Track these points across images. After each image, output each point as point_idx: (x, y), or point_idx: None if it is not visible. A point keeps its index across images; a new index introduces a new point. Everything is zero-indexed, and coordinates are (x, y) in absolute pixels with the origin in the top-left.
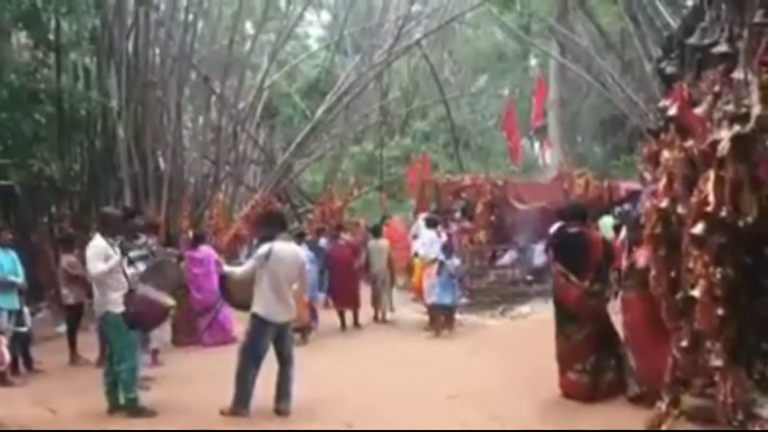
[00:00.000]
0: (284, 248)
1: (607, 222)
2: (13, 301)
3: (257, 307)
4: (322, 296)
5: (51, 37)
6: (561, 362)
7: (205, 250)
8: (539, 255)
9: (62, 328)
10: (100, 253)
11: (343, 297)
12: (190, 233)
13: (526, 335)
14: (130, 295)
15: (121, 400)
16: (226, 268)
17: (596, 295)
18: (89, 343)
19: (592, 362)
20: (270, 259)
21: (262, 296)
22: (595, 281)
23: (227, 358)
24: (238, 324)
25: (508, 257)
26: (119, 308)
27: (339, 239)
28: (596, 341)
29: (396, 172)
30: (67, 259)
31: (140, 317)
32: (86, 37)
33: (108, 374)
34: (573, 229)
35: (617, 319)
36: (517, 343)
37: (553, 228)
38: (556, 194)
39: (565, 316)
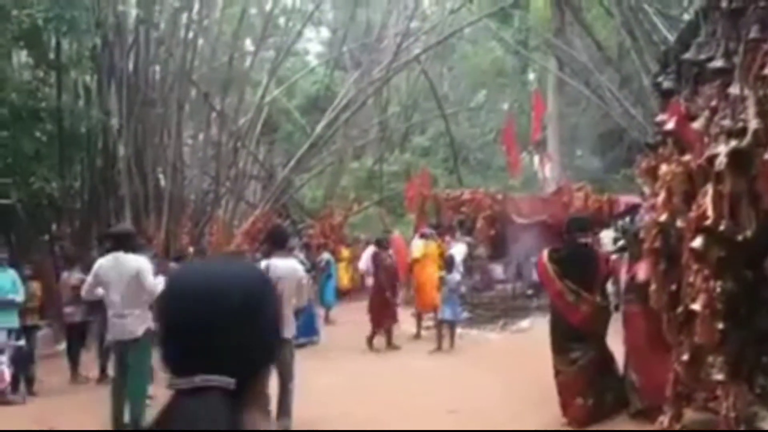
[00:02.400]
0: (282, 264)
1: (607, 236)
2: (13, 320)
3: None
4: (321, 311)
5: (51, 55)
6: (566, 391)
7: None
8: None
9: (62, 346)
10: (150, 270)
11: (390, 314)
12: (191, 250)
13: (526, 349)
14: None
15: (127, 419)
16: None
17: (605, 311)
18: (88, 361)
19: (598, 385)
20: (268, 276)
21: None
22: (602, 297)
23: None
24: None
25: (500, 271)
26: (153, 324)
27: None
28: (601, 363)
29: (396, 188)
30: (77, 277)
31: None
32: (87, 56)
33: (118, 394)
34: (582, 241)
35: (618, 334)
36: (517, 358)
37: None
38: (556, 208)
39: (570, 338)
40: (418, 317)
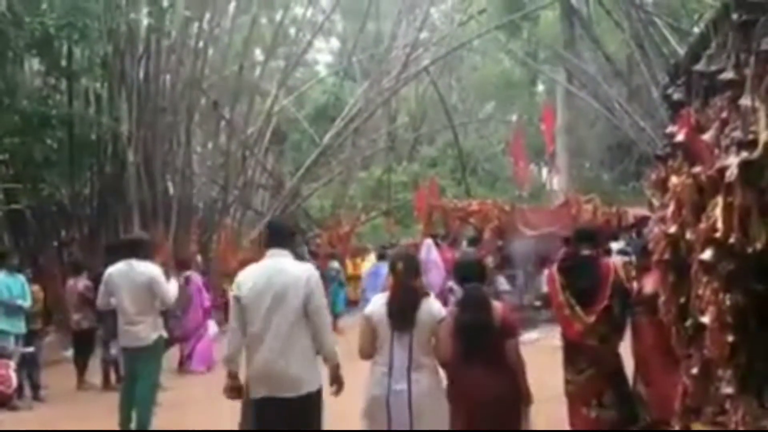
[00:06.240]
0: None
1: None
2: (20, 325)
3: None
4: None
5: (63, 63)
6: (573, 400)
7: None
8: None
9: (69, 352)
10: (162, 277)
11: None
12: (199, 258)
13: (534, 362)
14: (170, 318)
15: (134, 426)
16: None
17: (602, 338)
18: (95, 368)
19: (603, 398)
20: None
21: None
22: (603, 320)
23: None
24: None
25: (504, 283)
26: (164, 331)
27: None
28: (609, 377)
29: (403, 198)
30: (83, 283)
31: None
32: (98, 64)
33: (127, 401)
34: (586, 252)
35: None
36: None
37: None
38: (564, 220)
39: (573, 351)
40: None
